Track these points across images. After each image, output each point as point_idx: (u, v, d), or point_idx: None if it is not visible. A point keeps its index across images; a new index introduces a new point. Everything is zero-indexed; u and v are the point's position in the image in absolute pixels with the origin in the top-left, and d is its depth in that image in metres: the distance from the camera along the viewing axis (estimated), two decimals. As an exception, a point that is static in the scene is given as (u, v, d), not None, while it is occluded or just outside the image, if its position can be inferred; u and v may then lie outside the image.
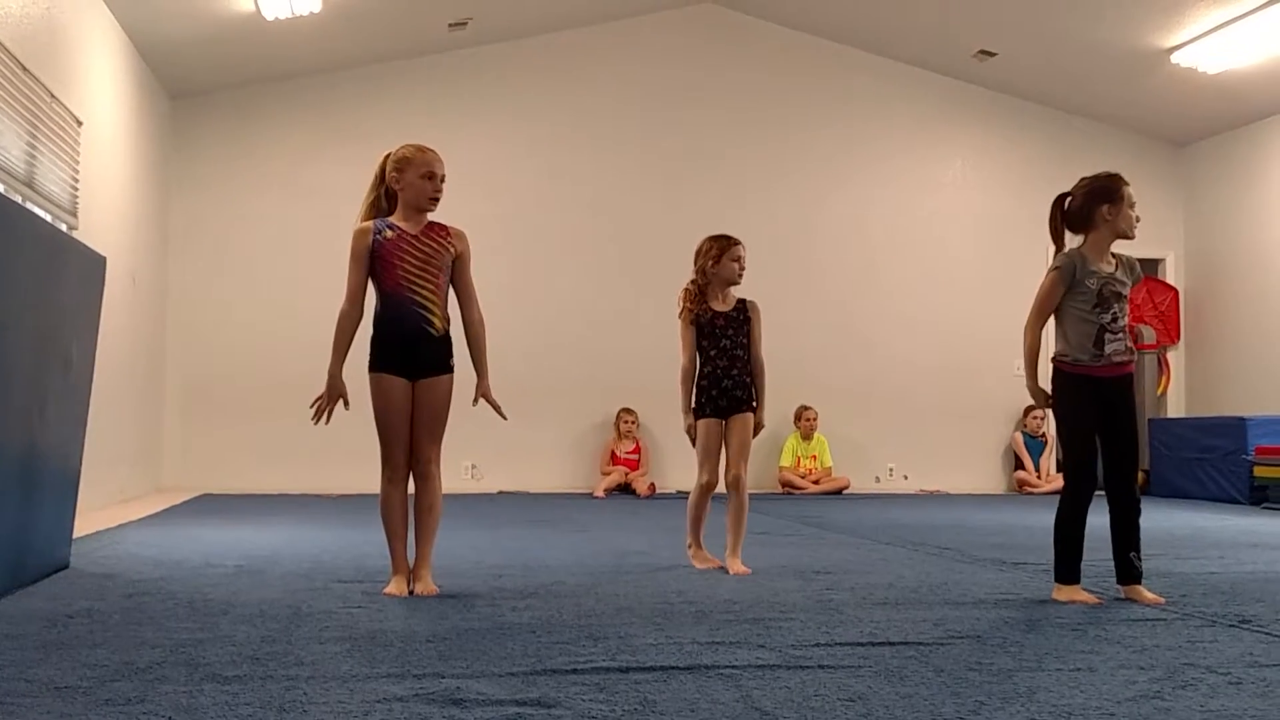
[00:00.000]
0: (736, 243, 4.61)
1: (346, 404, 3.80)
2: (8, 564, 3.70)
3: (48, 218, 6.25)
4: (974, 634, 3.11)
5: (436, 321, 3.85)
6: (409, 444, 3.83)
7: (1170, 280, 11.22)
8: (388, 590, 3.78)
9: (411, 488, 3.91)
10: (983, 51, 10.22)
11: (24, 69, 5.97)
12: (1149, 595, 3.75)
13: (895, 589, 4.00)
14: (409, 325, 3.81)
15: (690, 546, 4.68)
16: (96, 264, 4.56)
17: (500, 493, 9.57)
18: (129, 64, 8.23)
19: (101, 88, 7.53)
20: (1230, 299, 10.70)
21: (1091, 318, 3.79)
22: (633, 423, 9.90)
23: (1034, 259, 10.90)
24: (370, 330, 3.89)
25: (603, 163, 10.41)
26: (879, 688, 2.46)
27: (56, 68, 6.53)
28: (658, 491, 9.65)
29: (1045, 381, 3.92)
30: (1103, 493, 3.76)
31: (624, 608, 3.51)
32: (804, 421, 10.25)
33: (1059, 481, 11.62)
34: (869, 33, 10.48)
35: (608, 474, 9.79)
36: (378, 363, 3.84)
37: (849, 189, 10.79)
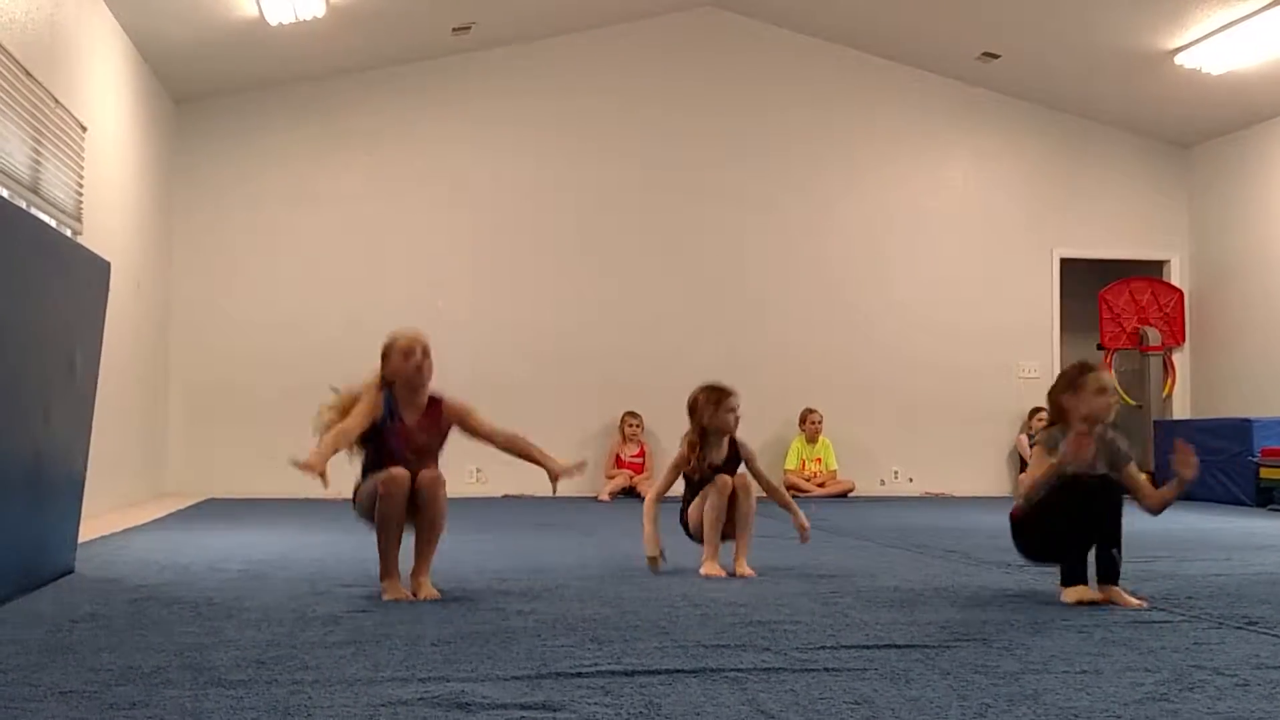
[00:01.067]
0: (730, 394, 4.65)
1: (325, 483, 3.69)
2: (13, 569, 3.70)
3: (52, 223, 6.26)
4: (980, 637, 3.10)
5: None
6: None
7: (1175, 282, 11.20)
8: (387, 596, 3.78)
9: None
10: (987, 54, 10.21)
11: (28, 74, 5.98)
12: (1129, 599, 3.72)
13: (900, 592, 3.99)
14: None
15: (706, 559, 4.58)
16: (101, 269, 4.56)
17: (505, 496, 9.57)
18: (133, 69, 8.24)
19: (106, 93, 7.54)
20: (1235, 300, 10.68)
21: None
22: (638, 426, 9.89)
23: (1038, 262, 10.91)
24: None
25: (607, 167, 10.42)
26: (885, 691, 2.45)
27: (61, 73, 6.54)
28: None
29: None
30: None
31: (629, 611, 3.51)
32: (809, 424, 10.24)
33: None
34: (872, 35, 10.48)
35: (612, 478, 9.78)
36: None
37: (852, 192, 10.78)
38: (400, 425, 3.99)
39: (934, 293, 10.75)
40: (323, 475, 3.68)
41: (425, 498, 3.90)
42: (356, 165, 10.10)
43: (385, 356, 4.05)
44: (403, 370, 4.01)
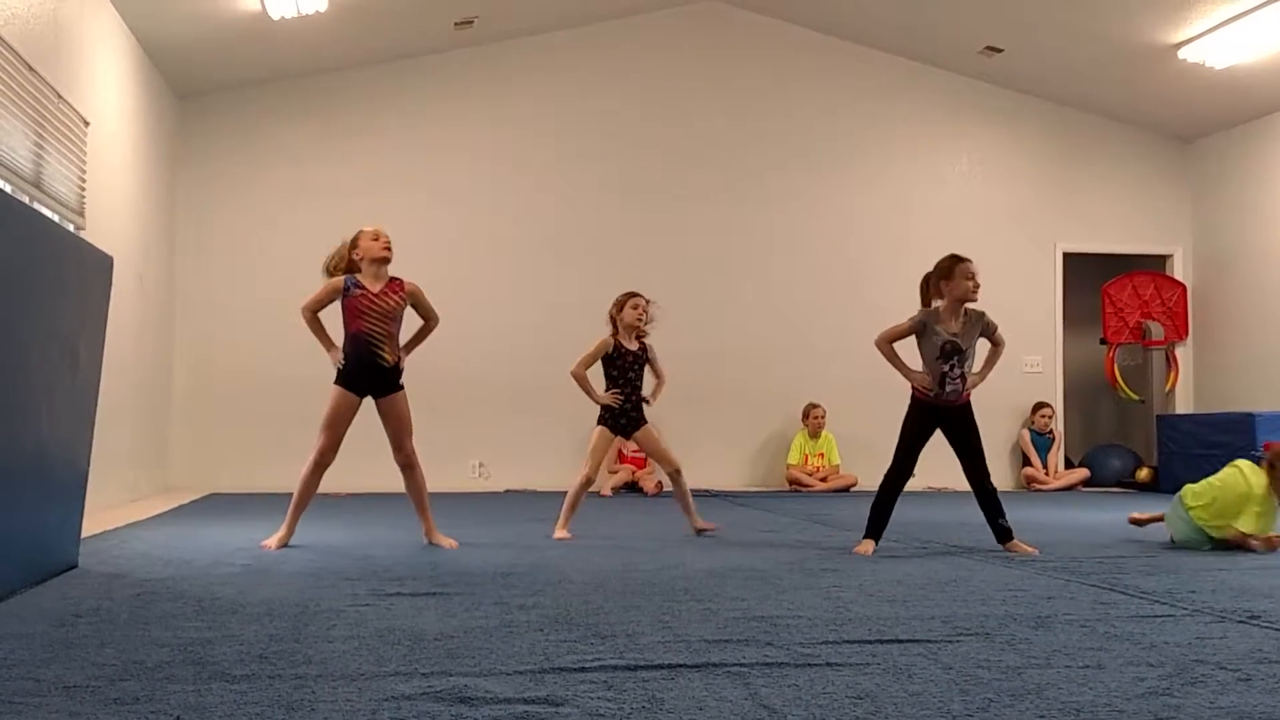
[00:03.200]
0: (635, 294, 5.96)
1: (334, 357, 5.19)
2: (17, 563, 3.71)
3: (55, 218, 6.26)
4: (982, 631, 3.11)
5: (387, 355, 5.17)
6: (339, 444, 5.17)
7: (1178, 276, 11.20)
8: (267, 543, 5.08)
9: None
10: (989, 48, 10.20)
11: (30, 69, 5.98)
12: (1025, 547, 5.02)
13: (903, 586, 4.00)
14: (366, 359, 5.13)
15: (561, 525, 5.70)
16: (104, 264, 4.56)
17: (507, 491, 9.58)
18: (136, 64, 8.24)
19: (108, 88, 7.54)
20: (1238, 294, 10.67)
21: (935, 365, 5.07)
22: (639, 421, 9.89)
23: (1041, 256, 10.91)
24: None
25: (607, 160, 10.42)
26: (887, 685, 2.45)
27: (63, 68, 6.54)
28: (665, 490, 9.65)
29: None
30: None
31: (631, 606, 3.51)
32: (811, 419, 10.23)
33: (1067, 478, 11.69)
34: (874, 30, 10.48)
35: (615, 472, 9.78)
36: (340, 379, 5.16)
37: (854, 185, 10.78)
38: (365, 292, 5.12)
39: (936, 287, 10.73)
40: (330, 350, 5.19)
41: (408, 476, 5.25)
42: (359, 159, 10.11)
43: (355, 242, 5.18)
44: (371, 249, 5.15)
